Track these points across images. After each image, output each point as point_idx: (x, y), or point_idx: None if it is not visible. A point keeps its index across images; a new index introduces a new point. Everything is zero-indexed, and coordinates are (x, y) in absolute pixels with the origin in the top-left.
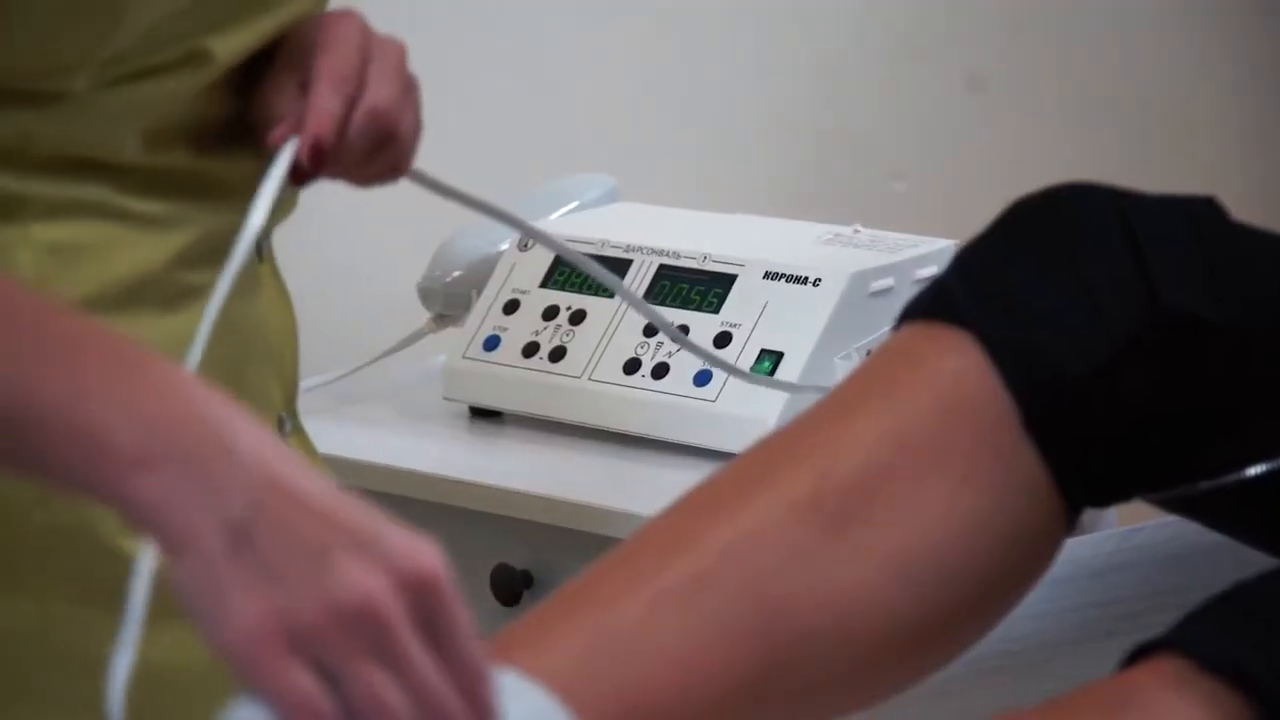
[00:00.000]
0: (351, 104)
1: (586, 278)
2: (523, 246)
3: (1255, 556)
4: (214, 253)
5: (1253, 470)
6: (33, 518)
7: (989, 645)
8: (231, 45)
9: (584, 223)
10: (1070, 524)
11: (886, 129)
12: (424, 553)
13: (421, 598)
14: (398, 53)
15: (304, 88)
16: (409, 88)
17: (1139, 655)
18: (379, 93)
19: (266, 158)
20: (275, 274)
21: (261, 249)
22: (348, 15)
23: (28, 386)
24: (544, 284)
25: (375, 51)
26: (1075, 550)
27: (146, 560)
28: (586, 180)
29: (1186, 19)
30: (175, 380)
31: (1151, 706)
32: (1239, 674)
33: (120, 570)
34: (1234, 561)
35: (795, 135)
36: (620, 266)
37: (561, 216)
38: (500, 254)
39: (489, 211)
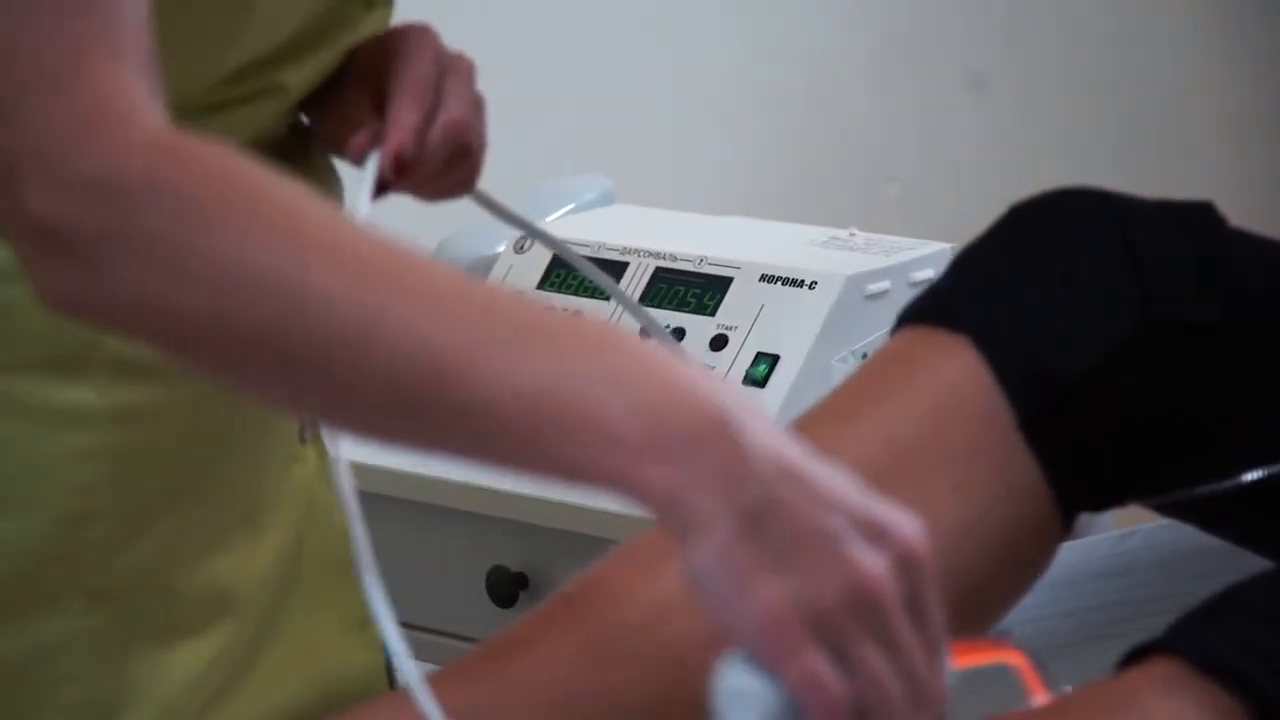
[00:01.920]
0: (430, 117)
1: (582, 280)
2: (519, 248)
3: (1251, 559)
4: None
5: (1249, 476)
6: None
7: (1004, 629)
8: (304, 75)
9: (580, 225)
10: (1066, 528)
11: (882, 132)
12: (915, 534)
13: (912, 579)
14: (469, 68)
15: (378, 101)
16: (480, 104)
17: (1135, 657)
18: (455, 107)
19: (327, 169)
20: None
21: None
22: (422, 30)
23: (505, 373)
24: (540, 285)
25: (450, 66)
26: (1071, 554)
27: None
28: (583, 182)
29: (1186, 18)
30: (667, 362)
31: (1147, 708)
32: (1234, 675)
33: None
34: (1230, 564)
35: (791, 138)
36: (616, 269)
37: (558, 218)
38: (497, 256)
39: (548, 241)
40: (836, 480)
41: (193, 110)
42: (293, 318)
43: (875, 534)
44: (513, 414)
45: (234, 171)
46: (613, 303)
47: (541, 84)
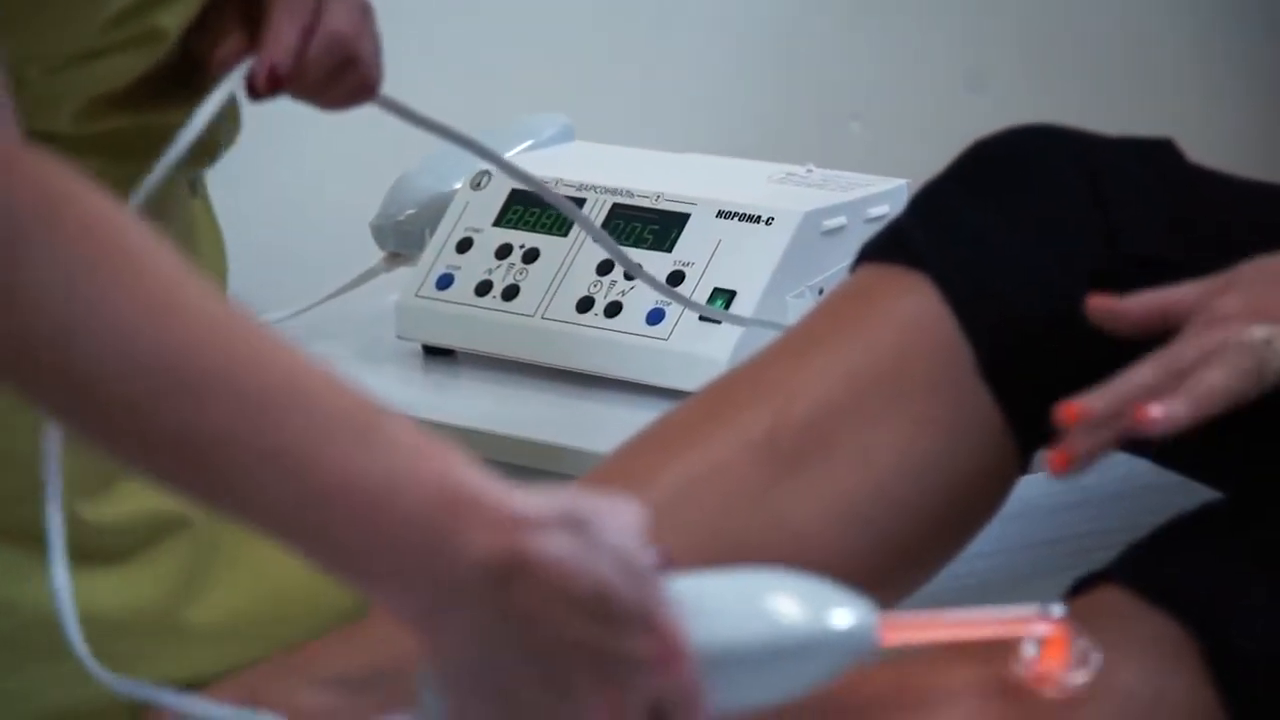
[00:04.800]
0: (309, 30)
1: (540, 216)
2: (476, 185)
3: (1204, 493)
4: (151, 203)
5: None
6: None
7: (940, 582)
8: (181, 16)
9: (538, 161)
10: (1023, 464)
11: (844, 69)
12: (668, 655)
13: (658, 697)
14: None
15: (257, 19)
16: (365, 11)
17: (1082, 587)
18: (336, 17)
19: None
20: (207, 207)
21: (195, 185)
22: None
23: (282, 477)
24: (497, 222)
25: None
26: (1026, 488)
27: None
28: (541, 119)
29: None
30: (456, 496)
31: (1094, 637)
32: (1180, 603)
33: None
34: (1183, 498)
35: (752, 75)
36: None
37: (516, 155)
38: (454, 192)
39: (455, 139)
40: (594, 614)
41: (72, 58)
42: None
43: (614, 672)
44: (306, 511)
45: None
46: (570, 238)
47: (501, 21)
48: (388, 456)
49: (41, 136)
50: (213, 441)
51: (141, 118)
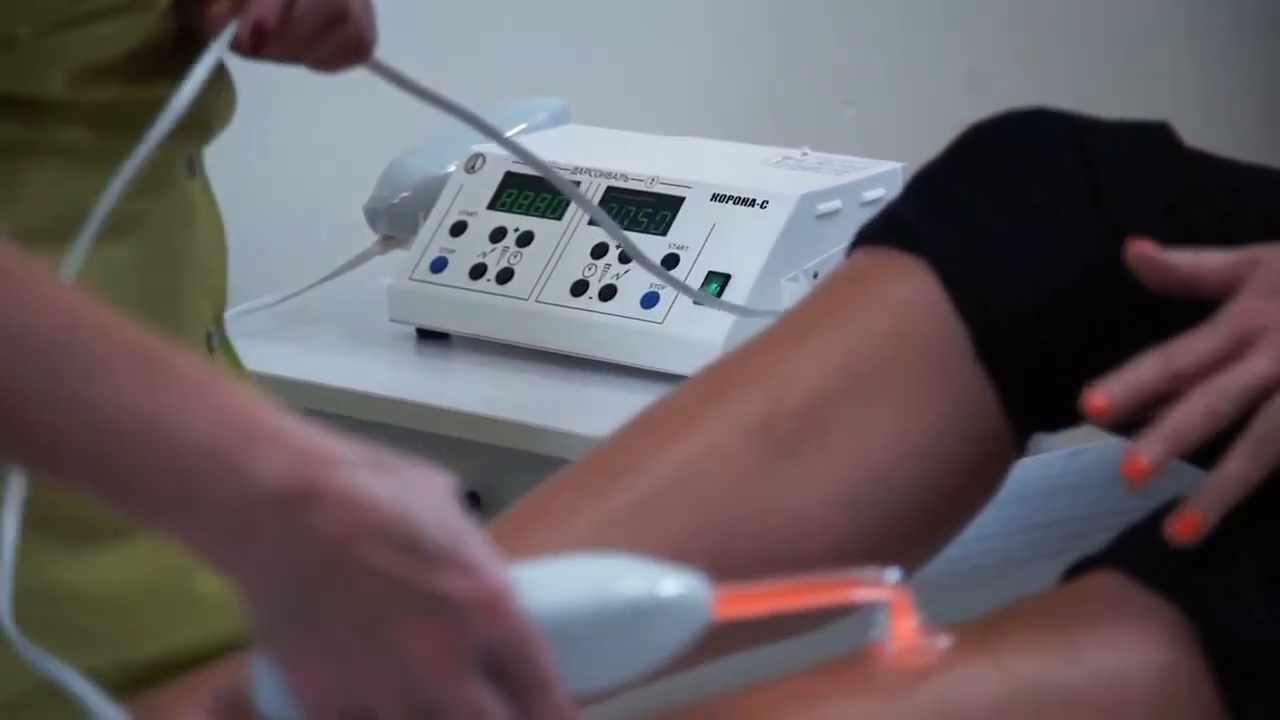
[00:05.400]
0: None
1: (534, 199)
2: (470, 168)
3: (1198, 476)
4: (148, 182)
5: None
6: None
7: (936, 566)
8: None
9: (533, 144)
10: (1019, 448)
11: (839, 52)
12: (482, 590)
13: (487, 648)
14: None
15: None
16: None
17: (1078, 571)
18: None
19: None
20: (206, 189)
21: (194, 165)
22: None
23: (79, 410)
24: (491, 206)
25: None
26: (1022, 471)
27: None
28: (536, 102)
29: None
30: (251, 422)
31: (1090, 621)
32: (1177, 588)
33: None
34: (1178, 482)
35: (747, 59)
36: None
37: (510, 138)
38: (448, 175)
39: (448, 107)
40: (400, 546)
41: (62, 22)
42: None
43: (430, 607)
44: (83, 449)
45: None
46: (564, 221)
47: (498, 4)
48: (175, 388)
49: (32, 101)
50: (2, 391)
51: (133, 89)
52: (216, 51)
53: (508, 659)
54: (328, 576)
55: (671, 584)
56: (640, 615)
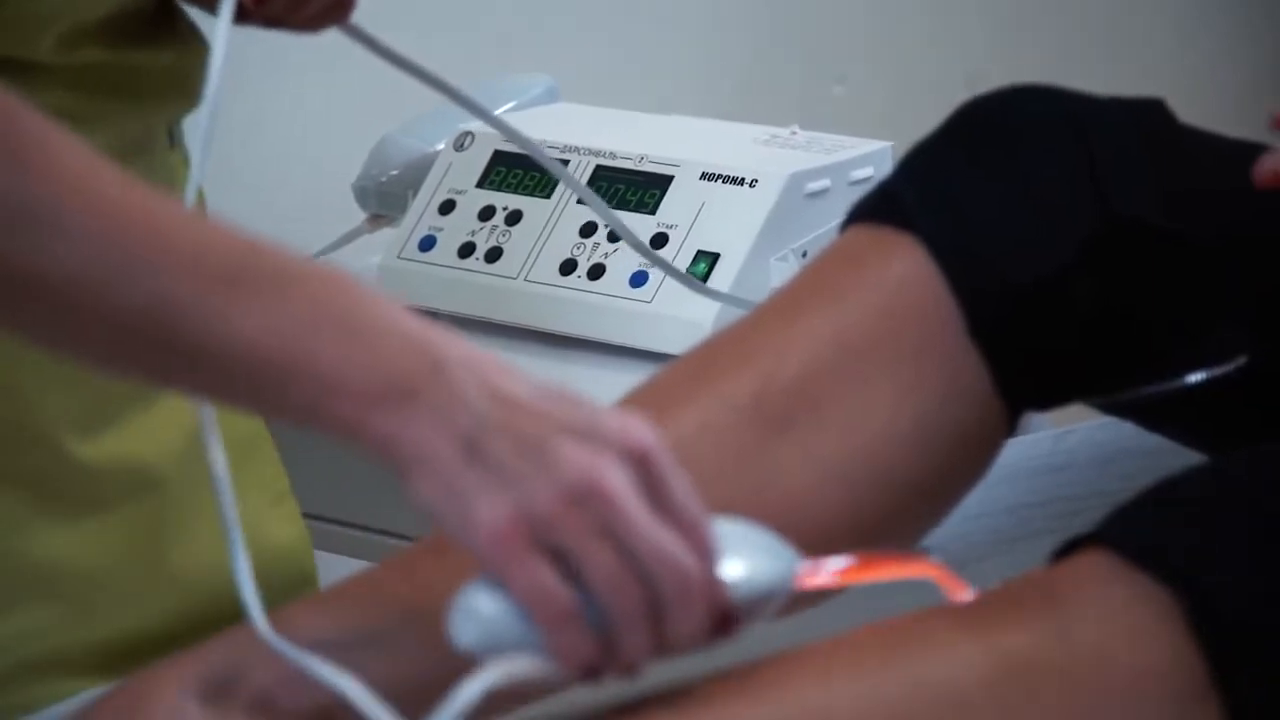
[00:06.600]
0: None
1: (523, 178)
2: (459, 146)
3: (1189, 456)
4: (133, 151)
5: (1194, 377)
6: None
7: (925, 546)
8: None
9: (521, 122)
10: (1011, 426)
11: (829, 31)
12: (636, 428)
13: (641, 468)
14: None
15: None
16: None
17: (1067, 550)
18: None
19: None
20: (186, 162)
21: (173, 135)
22: None
23: (233, 322)
24: (480, 184)
25: None
26: (1011, 451)
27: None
28: (525, 80)
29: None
30: (386, 311)
31: (1079, 600)
32: (1165, 566)
33: (64, 467)
34: (1169, 461)
35: (737, 37)
36: None
37: (499, 115)
38: (436, 153)
39: (434, 84)
40: (543, 393)
41: None
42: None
43: (589, 435)
44: (241, 362)
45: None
46: (553, 200)
47: None
48: (357, 288)
49: (20, 65)
50: (168, 301)
51: (118, 53)
52: (226, 12)
53: (661, 492)
54: (493, 412)
55: (789, 556)
56: (770, 594)
